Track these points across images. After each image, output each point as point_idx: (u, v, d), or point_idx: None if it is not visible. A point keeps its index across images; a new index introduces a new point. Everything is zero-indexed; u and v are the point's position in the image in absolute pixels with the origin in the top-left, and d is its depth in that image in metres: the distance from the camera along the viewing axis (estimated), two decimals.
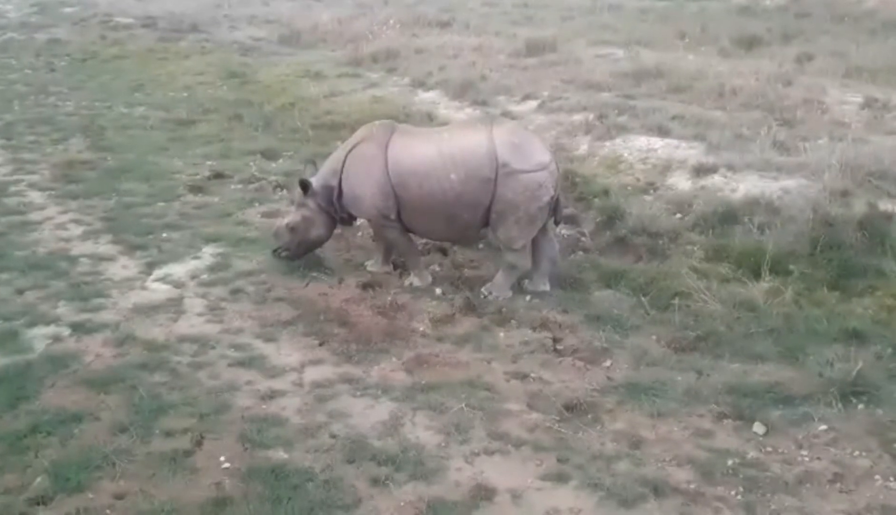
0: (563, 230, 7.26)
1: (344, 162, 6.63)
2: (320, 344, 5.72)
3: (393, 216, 6.50)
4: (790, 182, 7.53)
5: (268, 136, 10.75)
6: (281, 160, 9.75)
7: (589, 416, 4.91)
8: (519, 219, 6.30)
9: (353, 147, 6.64)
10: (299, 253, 6.87)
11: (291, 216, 6.82)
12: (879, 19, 16.60)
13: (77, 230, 7.66)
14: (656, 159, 8.50)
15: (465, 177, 6.22)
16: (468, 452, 4.57)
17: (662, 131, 9.12)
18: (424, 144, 6.42)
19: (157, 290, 6.51)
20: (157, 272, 6.81)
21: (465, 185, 6.23)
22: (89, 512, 4.04)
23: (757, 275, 6.40)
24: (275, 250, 6.89)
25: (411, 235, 6.74)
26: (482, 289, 6.53)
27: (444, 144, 6.34)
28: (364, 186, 6.49)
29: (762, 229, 6.92)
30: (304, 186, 6.72)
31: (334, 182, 6.67)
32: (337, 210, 6.78)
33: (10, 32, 19.02)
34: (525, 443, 4.65)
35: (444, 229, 6.61)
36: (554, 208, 6.48)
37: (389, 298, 6.34)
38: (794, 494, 4.24)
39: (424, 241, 7.14)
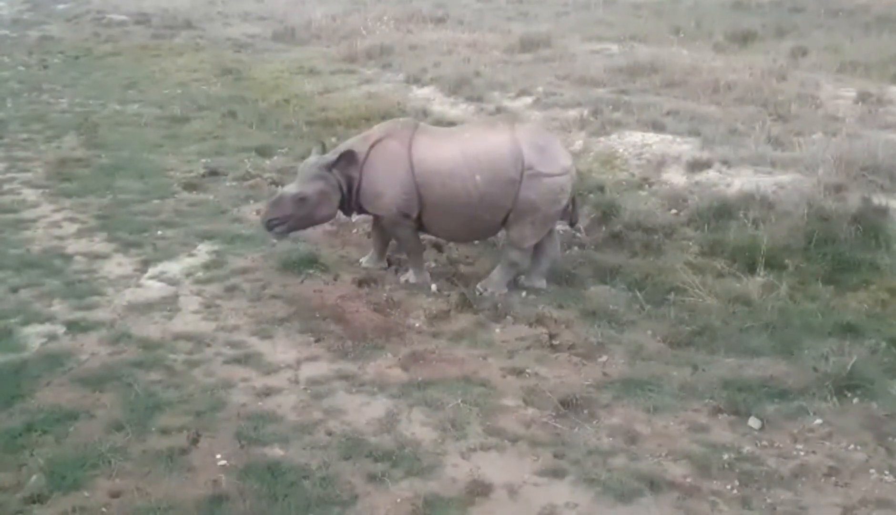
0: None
1: (367, 156, 6.40)
2: (316, 341, 5.71)
3: (413, 216, 6.41)
4: (785, 177, 7.55)
5: (262, 132, 10.72)
6: (275, 157, 9.72)
7: (585, 411, 4.92)
8: (535, 220, 6.29)
9: (377, 142, 6.42)
10: (295, 228, 6.54)
11: (303, 186, 6.32)
12: (873, 14, 16.63)
13: (71, 228, 7.63)
14: (651, 155, 8.52)
15: (491, 178, 6.15)
16: (464, 448, 4.57)
17: (657, 127, 9.13)
18: (448, 143, 6.33)
19: (151, 288, 6.49)
20: (152, 270, 6.79)
21: (490, 186, 6.16)
22: (85, 511, 4.02)
23: (752, 270, 6.41)
24: (270, 221, 6.35)
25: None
26: (478, 285, 6.52)
27: (468, 145, 6.26)
28: (387, 185, 6.32)
29: (757, 224, 6.93)
30: (350, 157, 6.30)
31: (355, 174, 6.41)
32: (351, 200, 6.50)
33: (2, 29, 18.96)
34: (521, 439, 4.66)
35: (464, 230, 6.55)
36: (569, 210, 6.49)
37: (385, 294, 6.34)
38: (790, 488, 4.26)
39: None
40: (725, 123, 9.09)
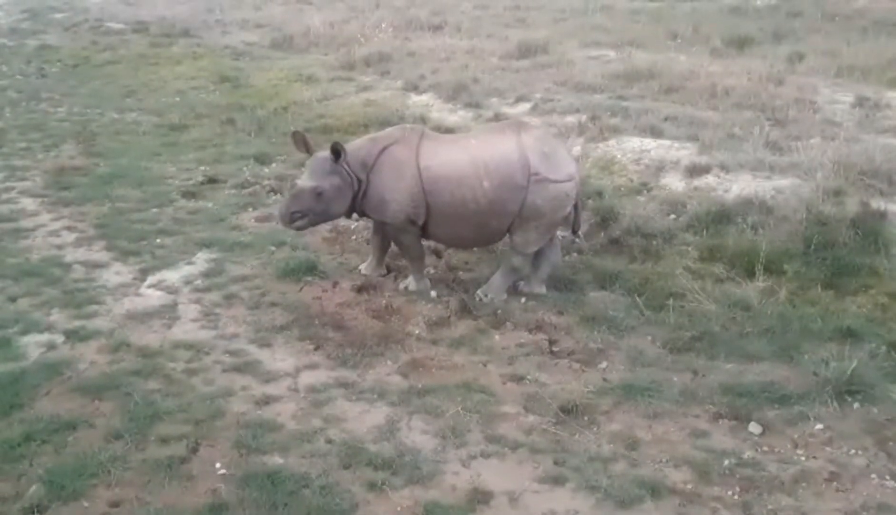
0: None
1: (376, 160, 6.35)
2: (315, 349, 5.70)
3: (420, 222, 6.38)
4: (783, 182, 7.56)
5: (261, 140, 10.72)
6: (274, 164, 9.72)
7: (585, 418, 4.92)
8: (540, 226, 6.30)
9: (386, 148, 6.37)
10: (315, 223, 6.55)
11: (320, 181, 6.25)
12: (870, 18, 16.67)
13: (70, 237, 7.62)
14: (649, 160, 8.53)
15: (499, 184, 6.13)
16: (465, 455, 4.56)
17: (655, 132, 9.14)
18: (455, 150, 6.32)
19: (150, 296, 6.48)
20: (151, 278, 6.78)
21: (498, 192, 6.15)
22: None
23: (751, 275, 6.42)
24: (293, 214, 6.32)
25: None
26: (478, 291, 6.52)
27: (475, 151, 6.24)
28: (394, 191, 6.28)
29: (756, 229, 6.94)
30: (338, 151, 6.20)
31: (363, 175, 6.36)
32: (355, 202, 6.43)
33: (0, 39, 18.94)
34: (521, 446, 4.65)
35: (469, 236, 6.53)
36: (572, 217, 6.49)
37: (384, 301, 6.33)
38: (791, 493, 4.25)
39: None
40: (723, 128, 9.10)
